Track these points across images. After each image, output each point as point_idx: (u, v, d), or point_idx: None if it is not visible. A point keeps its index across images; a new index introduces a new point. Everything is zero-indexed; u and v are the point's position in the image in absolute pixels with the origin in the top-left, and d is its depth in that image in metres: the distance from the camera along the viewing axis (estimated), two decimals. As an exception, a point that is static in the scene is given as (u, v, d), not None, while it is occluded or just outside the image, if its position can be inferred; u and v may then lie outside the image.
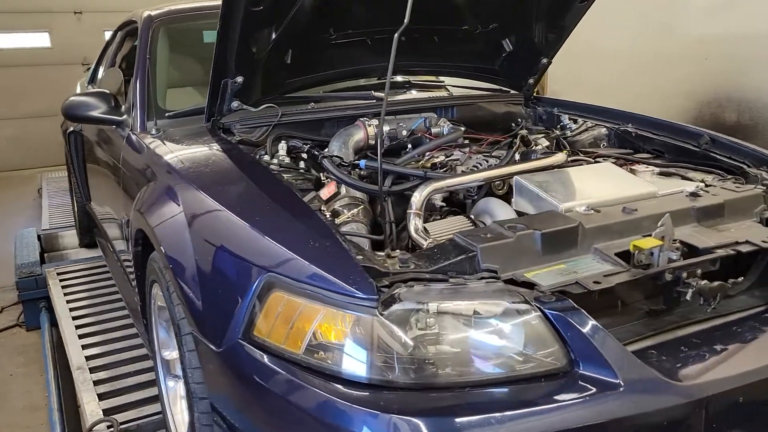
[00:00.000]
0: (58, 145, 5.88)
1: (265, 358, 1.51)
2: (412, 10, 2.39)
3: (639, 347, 1.57)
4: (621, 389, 1.37)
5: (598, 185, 1.96)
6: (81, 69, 8.03)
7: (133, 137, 2.63)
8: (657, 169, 2.17)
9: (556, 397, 1.37)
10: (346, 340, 1.43)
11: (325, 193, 2.00)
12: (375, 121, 2.39)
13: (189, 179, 1.99)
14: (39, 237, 4.88)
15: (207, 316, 1.69)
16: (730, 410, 1.45)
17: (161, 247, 1.87)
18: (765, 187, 2.06)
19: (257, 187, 1.90)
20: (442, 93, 3.02)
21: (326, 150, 2.26)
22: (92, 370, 2.98)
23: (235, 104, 2.41)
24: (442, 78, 3.17)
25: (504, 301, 1.45)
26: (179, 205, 1.92)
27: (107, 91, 2.89)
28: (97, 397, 2.72)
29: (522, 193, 1.95)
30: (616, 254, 1.65)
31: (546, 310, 1.44)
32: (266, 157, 2.21)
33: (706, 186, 2.04)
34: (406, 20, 1.64)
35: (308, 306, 1.47)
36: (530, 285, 1.52)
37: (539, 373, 1.42)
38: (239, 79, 2.33)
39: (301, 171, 2.20)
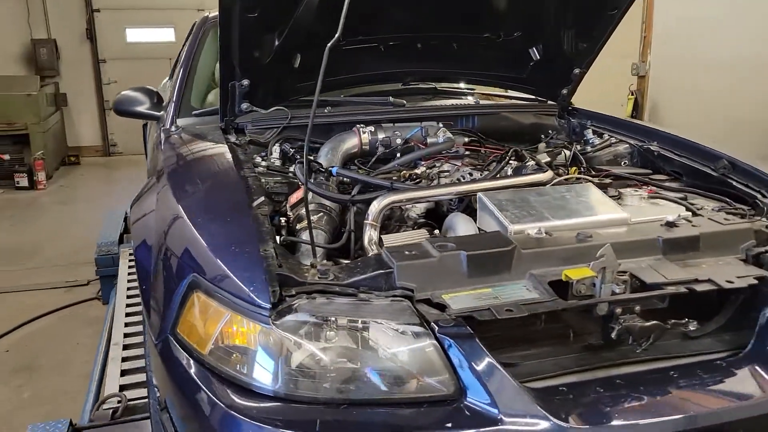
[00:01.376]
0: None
1: (183, 355, 1.58)
2: (428, 15, 2.40)
3: (557, 383, 1.50)
4: (499, 424, 1.32)
5: (566, 207, 1.86)
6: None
7: (162, 133, 2.79)
8: (646, 194, 2.03)
9: (431, 424, 1.34)
10: (242, 346, 1.46)
11: (293, 197, 2.03)
12: (371, 128, 2.40)
13: (169, 178, 2.10)
14: (126, 218, 5.25)
15: (152, 309, 1.78)
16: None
17: (131, 242, 1.99)
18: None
19: (217, 190, 1.97)
20: (468, 101, 2.95)
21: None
22: (126, 347, 3.18)
23: (244, 105, 2.50)
24: (473, 86, 3.10)
25: (399, 323, 1.43)
26: (155, 203, 2.03)
27: (152, 88, 3.08)
28: (120, 372, 2.91)
29: (483, 211, 1.89)
30: (551, 282, 1.58)
31: (438, 335, 1.40)
32: (258, 159, 2.28)
33: (694, 215, 1.89)
34: (338, 33, 1.63)
35: (217, 309, 1.52)
36: (444, 307, 1.49)
37: (424, 399, 1.39)
38: (245, 82, 2.41)
39: (290, 174, 2.25)
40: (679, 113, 6.21)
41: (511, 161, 2.25)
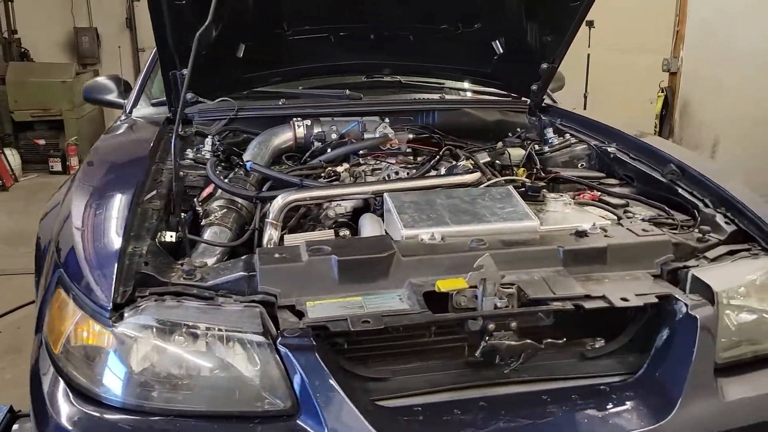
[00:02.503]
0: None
1: (45, 354, 1.53)
2: (380, 5, 2.29)
3: (421, 401, 1.40)
4: None
5: (473, 213, 1.73)
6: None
7: (114, 122, 2.77)
8: (571, 200, 1.88)
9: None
10: (88, 345, 1.41)
11: (204, 192, 1.97)
12: (308, 122, 2.31)
13: (83, 167, 2.07)
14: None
15: (38, 300, 1.74)
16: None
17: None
18: (702, 234, 1.72)
19: (113, 183, 1.91)
20: (433, 96, 2.82)
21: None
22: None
23: (189, 95, 2.45)
24: (442, 81, 2.96)
25: (242, 331, 1.35)
26: (64, 194, 1.99)
27: (119, 76, 3.06)
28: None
29: (387, 212, 1.78)
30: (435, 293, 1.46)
31: (279, 347, 1.31)
32: (188, 151, 2.23)
33: (613, 225, 1.74)
34: (209, 19, 1.53)
35: (72, 307, 1.47)
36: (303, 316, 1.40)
37: (257, 414, 1.31)
38: (184, 71, 2.35)
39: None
40: (712, 111, 5.88)
41: (445, 161, 2.13)
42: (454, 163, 2.13)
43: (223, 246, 1.78)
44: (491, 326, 1.41)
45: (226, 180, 1.99)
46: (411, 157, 2.24)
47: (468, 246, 1.58)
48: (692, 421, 1.35)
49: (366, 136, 2.29)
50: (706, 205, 1.87)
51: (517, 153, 2.41)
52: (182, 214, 1.85)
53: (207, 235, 1.83)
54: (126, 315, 1.37)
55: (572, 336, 1.55)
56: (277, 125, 2.37)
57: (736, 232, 1.74)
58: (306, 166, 2.13)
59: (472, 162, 2.13)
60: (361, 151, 2.24)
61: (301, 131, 2.28)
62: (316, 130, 2.29)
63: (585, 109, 6.43)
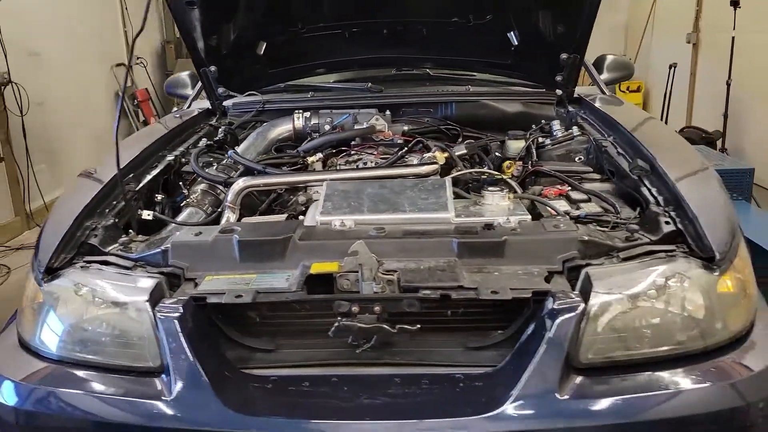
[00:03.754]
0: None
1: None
2: (386, 1, 2.42)
3: (289, 373, 1.53)
4: (171, 402, 1.40)
5: (394, 202, 1.80)
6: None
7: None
8: (508, 194, 1.87)
9: (127, 392, 1.46)
10: (30, 305, 1.68)
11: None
12: (307, 114, 2.47)
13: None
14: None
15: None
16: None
17: None
18: (630, 234, 1.66)
19: (102, 167, 2.14)
20: (459, 88, 2.83)
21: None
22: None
23: (220, 90, 2.72)
24: (472, 72, 2.96)
25: (130, 296, 1.55)
26: None
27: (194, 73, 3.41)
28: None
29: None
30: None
31: (155, 312, 1.50)
32: (203, 141, 2.48)
33: (533, 220, 1.73)
34: (140, 27, 1.73)
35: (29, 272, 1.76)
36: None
37: (134, 368, 1.51)
38: (212, 68, 2.62)
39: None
40: None
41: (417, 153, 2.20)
42: (423, 155, 2.18)
43: (185, 225, 1.99)
44: (355, 309, 1.49)
45: (217, 167, 2.22)
46: (385, 149, 2.31)
47: (367, 234, 1.66)
48: (519, 417, 1.34)
49: (356, 127, 2.40)
50: (658, 204, 1.78)
51: (517, 145, 2.39)
52: (159, 195, 2.10)
53: (183, 215, 2.06)
54: (54, 277, 1.64)
55: (480, 326, 1.59)
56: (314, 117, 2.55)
57: (674, 233, 1.65)
58: (284, 155, 2.29)
59: (446, 154, 2.17)
60: (354, 141, 2.37)
61: (299, 123, 2.45)
62: (314, 121, 2.45)
63: (728, 97, 5.96)
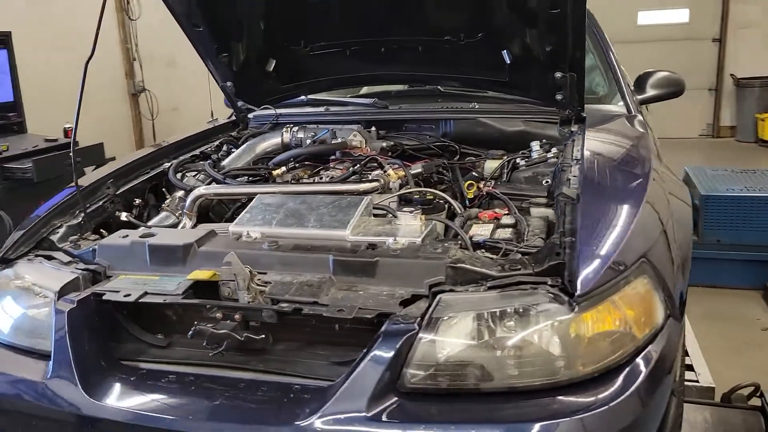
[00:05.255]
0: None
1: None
2: (383, 20, 2.54)
3: (153, 367, 1.69)
4: (45, 380, 1.61)
5: (306, 218, 1.89)
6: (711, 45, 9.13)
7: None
8: (421, 216, 1.88)
9: (26, 370, 1.69)
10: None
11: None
12: (296, 128, 2.61)
13: None
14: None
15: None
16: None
17: None
18: (503, 266, 1.64)
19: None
20: (463, 105, 2.83)
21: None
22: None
23: (240, 103, 2.94)
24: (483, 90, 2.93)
25: (46, 289, 1.78)
26: None
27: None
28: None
29: (246, 210, 2.04)
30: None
31: (56, 303, 1.71)
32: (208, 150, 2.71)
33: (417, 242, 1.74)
34: (91, 53, 1.94)
35: None
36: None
37: (35, 351, 1.74)
38: (229, 84, 2.85)
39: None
40: None
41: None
42: (376, 172, 2.23)
43: (146, 227, 2.19)
44: (219, 315, 1.62)
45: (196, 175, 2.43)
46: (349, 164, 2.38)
47: (261, 246, 1.77)
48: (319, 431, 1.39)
49: (333, 142, 2.50)
50: (563, 234, 1.72)
51: (492, 165, 2.39)
52: (137, 200, 2.33)
53: (156, 219, 2.28)
54: (7, 267, 1.91)
55: (349, 342, 1.65)
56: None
57: (560, 265, 1.60)
58: (256, 167, 2.44)
59: (402, 172, 2.22)
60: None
61: (287, 136, 2.59)
62: (300, 135, 2.58)
63: None
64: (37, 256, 1.94)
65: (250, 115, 3.00)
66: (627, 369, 1.51)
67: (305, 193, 2.09)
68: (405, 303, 1.56)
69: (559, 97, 2.56)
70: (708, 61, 9.27)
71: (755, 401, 2.72)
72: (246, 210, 1.99)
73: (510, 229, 1.88)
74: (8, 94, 4.75)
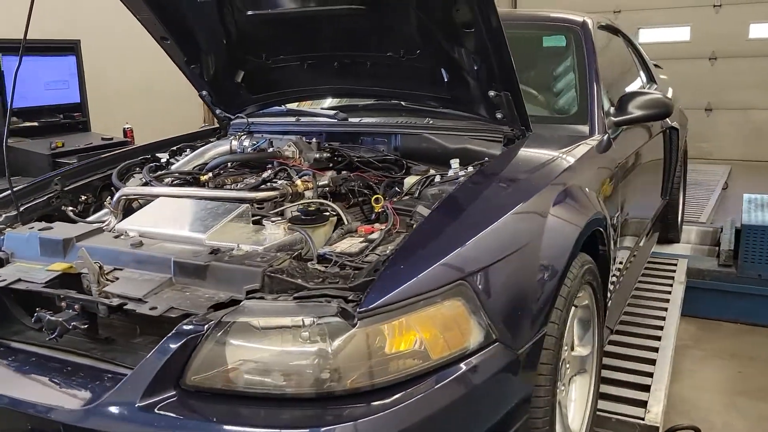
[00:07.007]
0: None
1: None
2: (332, 37, 2.67)
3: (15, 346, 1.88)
4: None
5: (182, 221, 2.02)
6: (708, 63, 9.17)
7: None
8: (283, 226, 1.96)
9: None
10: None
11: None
12: (244, 136, 2.75)
13: None
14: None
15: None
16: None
17: None
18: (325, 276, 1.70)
19: None
20: (418, 121, 2.84)
21: None
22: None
23: (218, 111, 3.14)
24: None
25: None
26: None
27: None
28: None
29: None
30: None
31: None
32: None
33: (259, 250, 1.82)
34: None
35: None
36: None
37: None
38: (204, 92, 3.05)
39: None
40: None
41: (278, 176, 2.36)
42: (281, 182, 2.33)
43: (89, 223, 2.40)
44: (63, 304, 1.78)
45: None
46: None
47: (129, 244, 1.92)
48: (93, 414, 1.50)
49: (270, 150, 2.62)
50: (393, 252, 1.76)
51: (410, 181, 2.41)
52: (83, 196, 2.55)
53: (95, 215, 2.49)
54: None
55: None
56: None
57: (372, 281, 1.64)
58: (180, 171, 2.59)
59: (309, 183, 2.30)
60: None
61: (235, 143, 2.74)
62: (245, 143, 2.72)
63: None
64: None
65: (233, 123, 3.18)
66: (409, 388, 1.52)
67: (201, 198, 2.21)
68: (219, 306, 1.64)
69: (499, 115, 2.54)
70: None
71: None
72: (141, 210, 2.15)
73: (361, 243, 1.91)
74: (75, 96, 5.24)
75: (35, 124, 4.99)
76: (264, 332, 1.54)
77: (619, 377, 3.03)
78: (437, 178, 2.38)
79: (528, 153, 2.43)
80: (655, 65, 5.12)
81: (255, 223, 2.09)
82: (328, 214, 2.12)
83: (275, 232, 1.95)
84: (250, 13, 2.59)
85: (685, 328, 4.37)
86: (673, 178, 4.37)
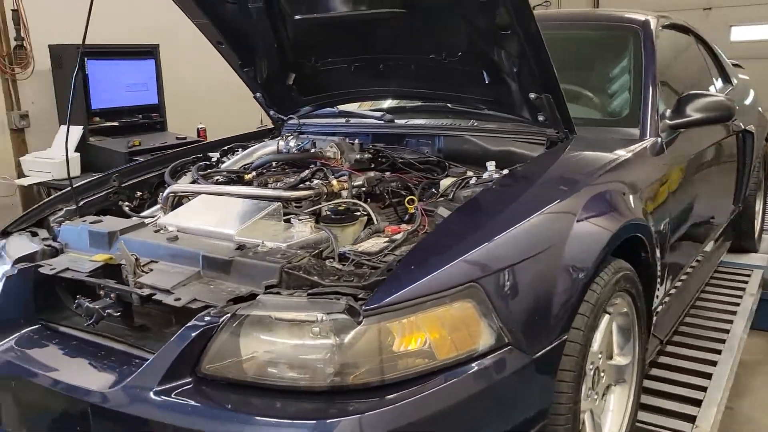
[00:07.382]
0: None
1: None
2: (380, 38, 2.74)
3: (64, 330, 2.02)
4: None
5: (219, 218, 2.11)
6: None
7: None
8: (311, 224, 2.01)
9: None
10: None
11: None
12: (290, 137, 2.83)
13: None
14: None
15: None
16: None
17: None
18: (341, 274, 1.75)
19: None
20: (462, 122, 2.84)
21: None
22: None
23: (272, 112, 3.24)
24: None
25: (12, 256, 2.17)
26: None
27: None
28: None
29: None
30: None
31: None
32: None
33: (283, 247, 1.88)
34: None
35: None
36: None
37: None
38: (258, 94, 3.16)
39: None
40: None
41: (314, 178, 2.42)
42: (318, 180, 2.38)
43: (136, 217, 2.52)
44: (102, 293, 1.90)
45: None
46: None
47: (165, 238, 2.03)
48: (115, 397, 1.61)
49: (313, 151, 2.68)
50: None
51: (446, 183, 2.42)
52: (139, 192, 2.70)
53: (149, 210, 2.63)
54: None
55: None
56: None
57: (384, 280, 1.67)
58: (226, 170, 2.68)
59: (345, 183, 2.35)
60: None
61: (282, 144, 2.82)
62: (291, 143, 2.79)
63: None
64: (26, 230, 2.36)
65: (287, 123, 3.27)
66: (415, 386, 1.54)
67: (238, 196, 2.30)
68: (238, 300, 1.71)
69: (541, 117, 2.52)
70: None
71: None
72: (185, 206, 2.25)
73: (384, 243, 1.93)
74: (154, 98, 5.52)
75: (116, 123, 5.30)
76: (276, 326, 1.60)
77: (668, 389, 2.91)
78: (472, 180, 2.37)
79: (566, 156, 2.39)
80: (736, 65, 4.90)
81: (287, 221, 2.15)
82: (358, 214, 2.16)
83: (302, 230, 2.01)
84: (297, 17, 2.66)
85: (758, 342, 4.16)
86: (747, 184, 4.18)
